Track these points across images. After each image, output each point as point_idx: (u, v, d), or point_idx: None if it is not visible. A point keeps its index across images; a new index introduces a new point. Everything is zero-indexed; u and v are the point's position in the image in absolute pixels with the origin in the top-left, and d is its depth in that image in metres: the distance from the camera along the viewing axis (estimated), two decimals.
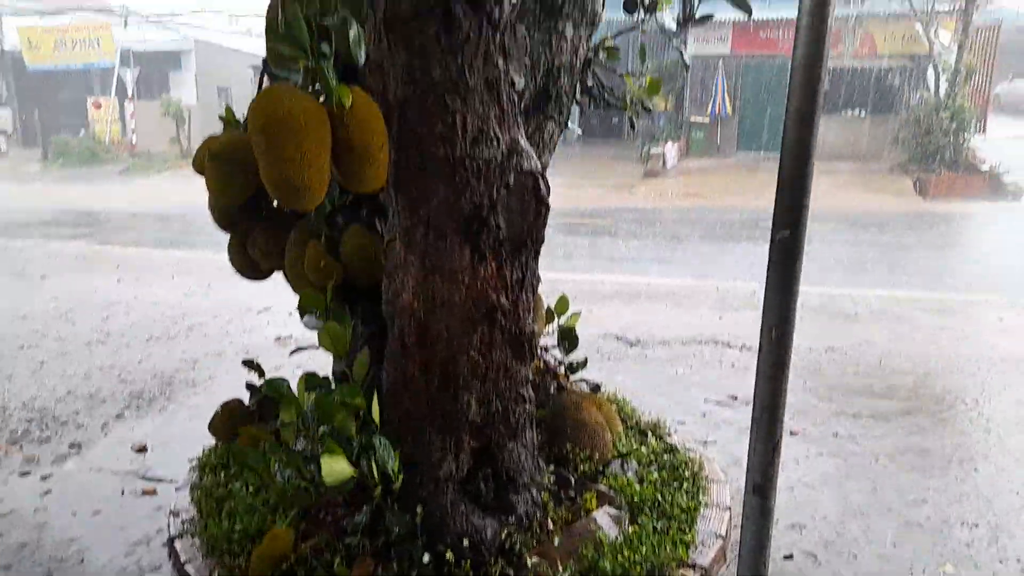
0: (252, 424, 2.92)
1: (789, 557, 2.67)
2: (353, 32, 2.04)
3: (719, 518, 2.72)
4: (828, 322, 5.65)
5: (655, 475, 2.94)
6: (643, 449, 3.15)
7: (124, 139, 22.00)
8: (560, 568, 2.38)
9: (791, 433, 3.67)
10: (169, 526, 2.87)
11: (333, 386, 2.54)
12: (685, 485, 2.89)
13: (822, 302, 6.17)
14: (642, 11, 2.79)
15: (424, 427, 2.48)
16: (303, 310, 2.77)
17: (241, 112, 2.76)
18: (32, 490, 3.31)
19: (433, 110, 2.27)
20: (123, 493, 3.28)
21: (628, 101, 3.32)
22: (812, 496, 3.09)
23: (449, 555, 2.33)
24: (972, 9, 15.04)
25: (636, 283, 7.06)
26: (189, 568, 2.55)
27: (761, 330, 1.58)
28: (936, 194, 13.86)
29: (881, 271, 7.62)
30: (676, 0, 2.87)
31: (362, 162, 2.19)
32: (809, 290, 6.52)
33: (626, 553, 2.41)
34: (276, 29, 2.02)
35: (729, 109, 18.21)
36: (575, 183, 14.60)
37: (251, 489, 2.86)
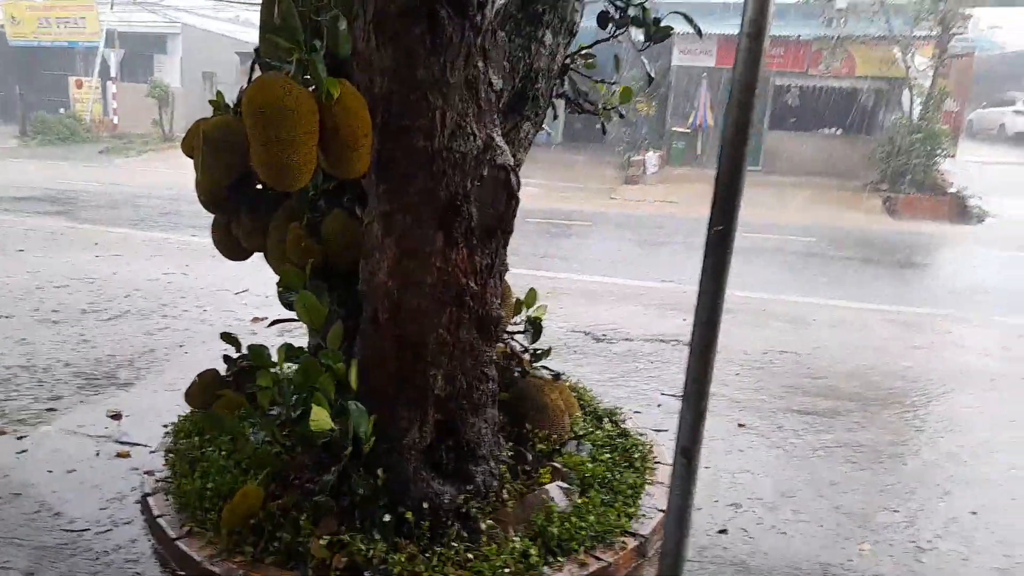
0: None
1: (724, 531, 2.90)
2: (342, 29, 2.22)
3: (662, 495, 2.93)
4: (787, 328, 5.92)
5: (607, 456, 3.15)
6: (598, 432, 3.36)
7: (105, 119, 21.85)
8: (511, 532, 2.58)
9: (739, 425, 3.92)
10: (143, 484, 3.02)
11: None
12: (635, 465, 3.10)
13: (784, 309, 6.46)
14: (613, 26, 3.00)
15: (392, 399, 2.66)
16: (283, 288, 2.94)
17: (231, 97, 2.93)
18: (7, 449, 3.42)
19: (416, 105, 2.46)
20: (98, 455, 3.41)
21: (602, 107, 3.53)
22: (751, 481, 3.33)
23: (410, 516, 2.51)
24: (948, 36, 15.56)
25: (608, 283, 7.30)
26: (162, 522, 2.70)
27: (695, 312, 1.79)
28: (904, 214, 14.31)
29: (844, 284, 7.94)
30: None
31: (347, 149, 2.37)
32: (772, 297, 6.83)
33: (574, 520, 2.62)
34: (272, 23, 2.20)
35: (711, 120, 18.57)
36: (556, 186, 14.86)
37: (224, 452, 3.02)
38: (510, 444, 3.08)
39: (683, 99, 18.95)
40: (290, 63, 2.35)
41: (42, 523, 2.84)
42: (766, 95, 17.96)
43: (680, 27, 3.16)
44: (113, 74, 21.79)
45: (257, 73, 2.89)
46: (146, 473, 3.09)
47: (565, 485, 2.88)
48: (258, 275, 6.39)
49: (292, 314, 2.79)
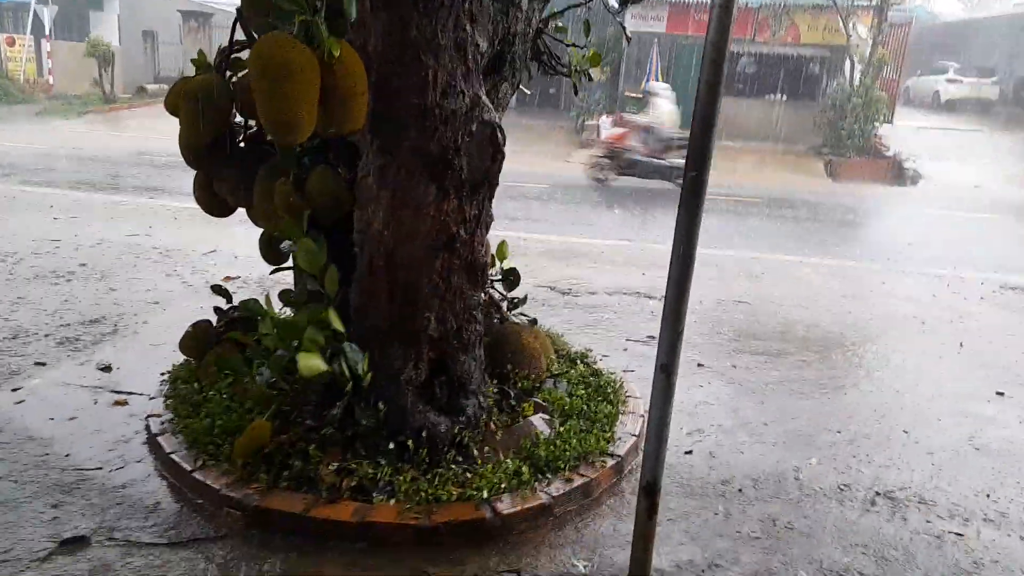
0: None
1: (689, 452, 3.25)
2: None
3: (634, 422, 3.27)
4: (738, 280, 6.33)
5: (583, 391, 3.45)
6: (573, 372, 3.66)
7: (40, 79, 20.89)
8: (502, 456, 2.85)
9: (698, 365, 4.28)
10: (148, 427, 3.18)
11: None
12: (608, 399, 3.41)
13: (735, 264, 6.87)
14: None
15: (388, 339, 2.88)
16: (277, 238, 3.11)
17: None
18: (4, 400, 3.51)
19: (408, 64, 2.65)
20: (96, 403, 3.54)
21: (572, 69, 3.75)
22: (711, 411, 3.69)
23: (410, 443, 2.76)
24: (887, 6, 16.17)
25: (567, 242, 7.59)
26: (175, 457, 2.88)
27: (672, 244, 2.06)
28: (844, 176, 15.01)
29: (788, 241, 8.42)
30: None
31: (345, 105, 2.53)
32: (724, 253, 7.24)
33: (558, 444, 2.91)
34: None
35: None
36: (514, 149, 14.95)
37: (225, 395, 3.19)
38: (494, 382, 3.35)
39: (634, 64, 19.21)
40: (291, 24, 2.51)
41: (55, 463, 2.97)
42: None
43: None
44: (47, 31, 20.79)
45: (239, 34, 3.03)
46: (149, 417, 3.25)
47: (547, 416, 3.17)
48: (225, 237, 6.48)
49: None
